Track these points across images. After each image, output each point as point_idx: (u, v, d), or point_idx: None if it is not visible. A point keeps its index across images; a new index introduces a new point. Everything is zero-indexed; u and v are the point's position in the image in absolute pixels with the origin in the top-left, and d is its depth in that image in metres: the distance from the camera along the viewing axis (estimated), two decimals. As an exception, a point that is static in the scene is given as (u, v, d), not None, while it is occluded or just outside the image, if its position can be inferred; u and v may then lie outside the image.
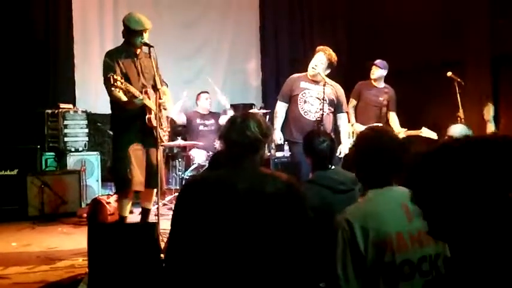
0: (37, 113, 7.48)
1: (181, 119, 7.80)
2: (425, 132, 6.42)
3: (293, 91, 5.75)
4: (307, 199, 3.35)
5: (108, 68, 4.98)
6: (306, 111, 5.67)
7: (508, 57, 6.83)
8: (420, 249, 2.26)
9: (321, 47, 5.84)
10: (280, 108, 5.86)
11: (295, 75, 5.94)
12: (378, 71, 6.82)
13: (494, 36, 6.96)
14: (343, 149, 5.78)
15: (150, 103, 5.02)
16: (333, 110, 5.80)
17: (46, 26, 7.97)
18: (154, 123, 5.02)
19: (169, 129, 5.57)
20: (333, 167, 3.72)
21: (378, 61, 6.82)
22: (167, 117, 5.45)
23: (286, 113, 5.83)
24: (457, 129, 4.49)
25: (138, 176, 5.02)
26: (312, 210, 3.34)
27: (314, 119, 5.62)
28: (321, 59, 5.70)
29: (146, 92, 5.05)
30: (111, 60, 5.04)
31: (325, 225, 3.24)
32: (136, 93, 4.88)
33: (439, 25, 7.62)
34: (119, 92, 4.86)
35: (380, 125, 6.40)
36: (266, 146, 8.14)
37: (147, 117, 5.01)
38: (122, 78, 4.78)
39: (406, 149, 2.53)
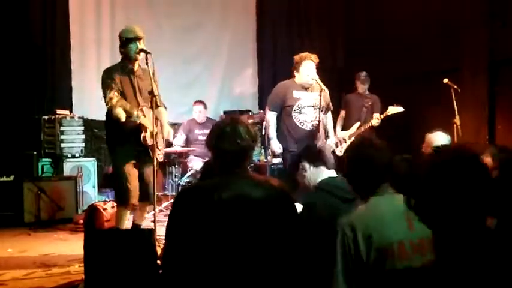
0: (34, 119, 7.47)
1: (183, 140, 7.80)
2: (392, 110, 7.05)
3: (285, 101, 5.70)
4: (316, 207, 3.37)
5: (106, 85, 5.01)
6: (302, 122, 5.66)
7: (505, 62, 6.85)
8: (421, 258, 2.27)
9: (304, 54, 5.78)
10: (272, 117, 5.82)
11: (284, 83, 5.88)
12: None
13: (491, 42, 6.98)
14: (332, 144, 6.02)
15: (146, 121, 5.03)
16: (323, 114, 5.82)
17: (43, 32, 7.97)
18: (149, 141, 5.03)
19: (164, 147, 5.58)
20: (334, 173, 3.70)
21: (358, 73, 7.72)
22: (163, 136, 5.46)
23: (280, 123, 5.80)
24: (438, 137, 4.47)
25: (135, 189, 5.06)
26: (318, 218, 3.34)
27: (310, 128, 5.62)
28: (311, 67, 5.67)
29: (142, 110, 5.06)
30: (108, 78, 5.05)
31: (331, 233, 3.24)
32: (132, 112, 4.88)
33: (436, 31, 7.64)
34: (118, 110, 4.89)
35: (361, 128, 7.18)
36: (263, 152, 8.13)
37: (142, 135, 5.02)
38: (118, 95, 4.81)
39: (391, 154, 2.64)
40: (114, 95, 4.79)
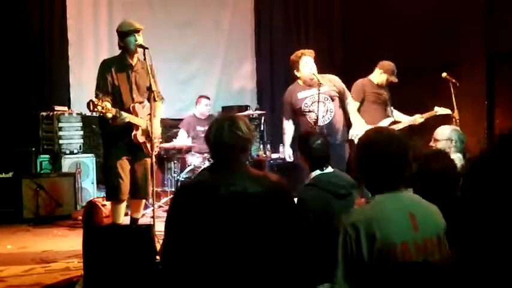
0: (32, 116, 7.47)
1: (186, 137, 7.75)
2: (440, 110, 6.28)
3: (294, 105, 5.67)
4: (307, 202, 3.37)
5: (98, 81, 5.02)
6: (313, 119, 5.62)
7: (503, 56, 6.85)
8: (426, 258, 2.21)
9: (299, 52, 5.71)
10: (286, 125, 5.81)
11: (288, 89, 5.84)
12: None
13: (489, 35, 6.98)
14: (359, 132, 5.64)
15: (137, 120, 5.02)
16: (338, 103, 5.74)
17: (41, 28, 7.95)
18: (140, 139, 5.05)
19: (160, 140, 5.56)
20: (331, 168, 3.70)
21: (388, 63, 6.59)
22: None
23: (300, 124, 5.73)
24: (447, 131, 4.53)
25: (125, 185, 5.06)
26: (312, 213, 3.35)
27: (323, 123, 5.57)
28: (311, 61, 5.66)
29: (134, 108, 5.05)
30: (104, 71, 5.04)
31: (325, 229, 3.24)
32: (118, 113, 4.83)
33: (434, 26, 7.63)
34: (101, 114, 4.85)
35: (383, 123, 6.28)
36: (262, 147, 8.10)
37: (133, 134, 5.02)
38: (103, 102, 4.71)
39: (410, 149, 2.40)
40: (100, 103, 4.69)
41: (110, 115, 4.80)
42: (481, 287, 1.35)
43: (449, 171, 2.91)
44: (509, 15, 6.71)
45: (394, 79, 6.45)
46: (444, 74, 6.30)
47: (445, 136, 4.48)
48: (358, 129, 5.74)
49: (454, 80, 6.25)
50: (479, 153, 1.50)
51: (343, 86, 5.83)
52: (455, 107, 6.11)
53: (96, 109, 4.67)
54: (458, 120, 6.07)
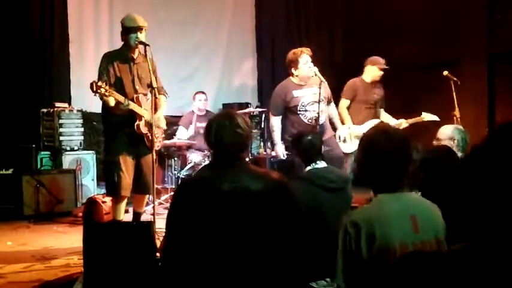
0: (32, 112, 7.46)
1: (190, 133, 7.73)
2: (427, 117, 6.31)
3: (288, 102, 5.62)
4: (298, 195, 3.41)
5: (100, 72, 5.00)
6: (309, 119, 5.58)
7: (505, 55, 6.85)
8: None
9: (298, 50, 5.67)
10: (276, 122, 5.75)
11: (281, 85, 5.79)
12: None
13: (490, 34, 6.97)
14: (341, 134, 6.07)
15: (140, 110, 4.99)
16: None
17: (41, 26, 7.94)
18: (143, 130, 5.01)
19: (163, 135, 5.53)
20: (324, 163, 3.78)
21: (376, 58, 6.61)
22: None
23: (287, 125, 5.72)
24: (448, 130, 4.48)
25: (126, 181, 5.02)
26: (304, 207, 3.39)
27: (320, 124, 5.57)
28: (309, 60, 5.63)
29: (137, 99, 5.03)
30: (106, 63, 5.03)
31: (314, 222, 3.27)
32: (121, 99, 4.81)
33: (435, 24, 7.63)
34: (106, 98, 4.83)
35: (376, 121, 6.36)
36: (262, 145, 8.09)
37: (136, 124, 4.99)
38: (106, 85, 4.70)
39: (412, 148, 2.41)
40: (104, 85, 4.67)
41: (112, 100, 4.79)
42: (490, 275, 1.33)
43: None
44: (510, 14, 6.71)
45: (383, 66, 6.52)
46: (445, 73, 6.30)
47: (446, 135, 4.41)
48: (342, 130, 6.21)
49: (455, 79, 6.24)
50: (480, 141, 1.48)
51: (329, 91, 5.87)
52: (456, 106, 6.12)
53: (99, 91, 4.63)
54: (459, 119, 6.07)
